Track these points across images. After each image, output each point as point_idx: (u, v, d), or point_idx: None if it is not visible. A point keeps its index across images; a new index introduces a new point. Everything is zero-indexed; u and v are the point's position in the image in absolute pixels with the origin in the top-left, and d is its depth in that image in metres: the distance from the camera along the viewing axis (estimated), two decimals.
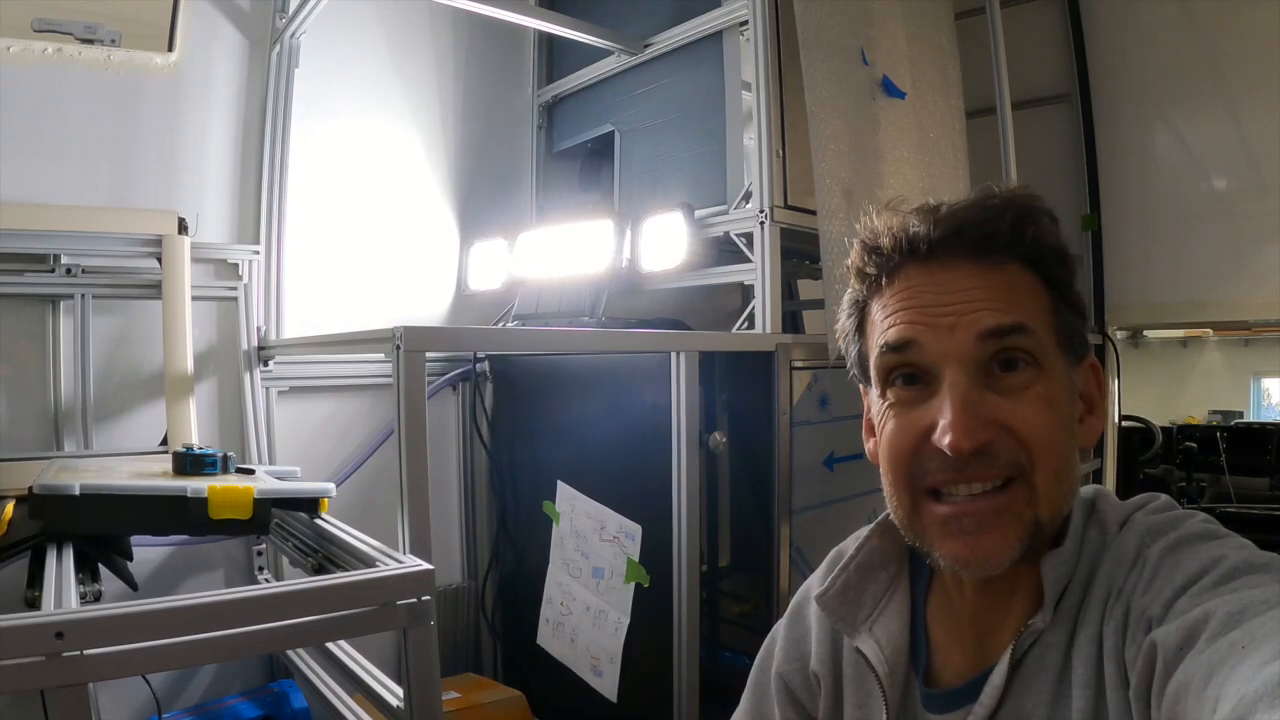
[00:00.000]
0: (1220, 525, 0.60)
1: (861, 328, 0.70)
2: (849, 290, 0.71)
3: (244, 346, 1.93)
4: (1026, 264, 0.64)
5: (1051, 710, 0.59)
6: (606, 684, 1.71)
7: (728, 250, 1.84)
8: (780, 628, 0.83)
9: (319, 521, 1.34)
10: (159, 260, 1.76)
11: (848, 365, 0.74)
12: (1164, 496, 0.65)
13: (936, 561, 0.64)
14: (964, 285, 0.63)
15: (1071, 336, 0.65)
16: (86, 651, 0.80)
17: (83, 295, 1.72)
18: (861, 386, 0.73)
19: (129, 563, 1.37)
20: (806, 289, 2.44)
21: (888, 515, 0.74)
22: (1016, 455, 0.60)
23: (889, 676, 0.68)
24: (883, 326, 0.66)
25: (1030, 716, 0.60)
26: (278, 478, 1.43)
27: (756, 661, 0.85)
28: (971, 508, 0.61)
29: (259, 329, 1.95)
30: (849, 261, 0.70)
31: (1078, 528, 0.63)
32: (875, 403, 0.69)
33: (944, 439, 0.60)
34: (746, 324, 1.76)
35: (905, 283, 0.65)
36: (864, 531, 0.75)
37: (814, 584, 0.77)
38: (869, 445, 0.72)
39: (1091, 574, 0.61)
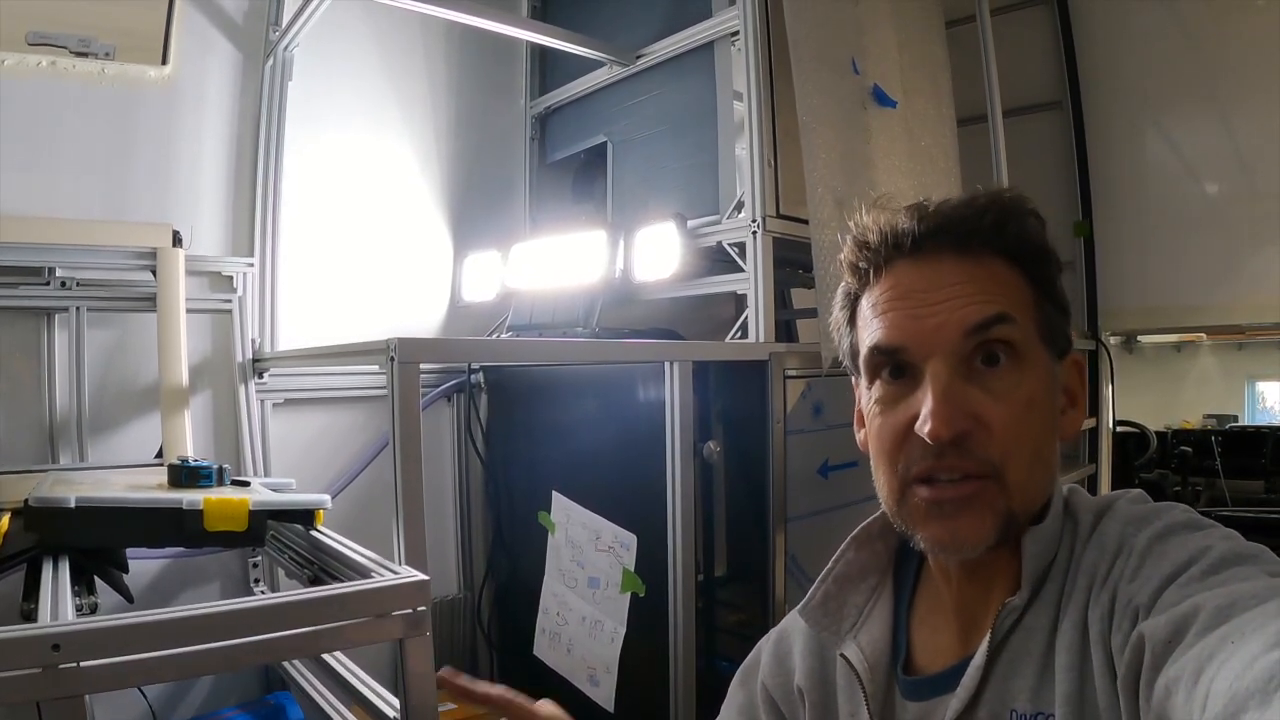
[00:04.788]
0: (1201, 515, 0.61)
1: (853, 320, 0.72)
2: (842, 282, 0.73)
3: (239, 359, 1.93)
4: (1009, 259, 0.66)
5: (1036, 694, 0.60)
6: (603, 694, 1.70)
7: (721, 260, 1.84)
8: (765, 644, 0.85)
9: (314, 533, 1.34)
10: (153, 273, 1.77)
11: (839, 356, 0.76)
12: (1138, 490, 0.67)
13: (919, 544, 0.67)
14: (949, 280, 0.65)
15: (1054, 332, 0.67)
16: (83, 663, 0.80)
17: (77, 308, 1.72)
18: (852, 377, 0.75)
19: (125, 575, 1.37)
20: (800, 298, 2.45)
21: (864, 527, 0.76)
22: (989, 452, 0.62)
23: (869, 672, 0.70)
24: (873, 325, 0.68)
25: (1015, 699, 0.61)
26: (273, 489, 1.43)
27: (741, 668, 0.87)
28: (950, 493, 0.63)
29: (253, 341, 1.94)
30: (841, 256, 0.72)
31: (1058, 513, 0.66)
32: (865, 394, 0.71)
33: (924, 427, 0.62)
34: (740, 333, 1.77)
35: (893, 279, 0.67)
36: (842, 544, 0.77)
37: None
38: (859, 435, 0.74)
39: (1072, 560, 0.63)
